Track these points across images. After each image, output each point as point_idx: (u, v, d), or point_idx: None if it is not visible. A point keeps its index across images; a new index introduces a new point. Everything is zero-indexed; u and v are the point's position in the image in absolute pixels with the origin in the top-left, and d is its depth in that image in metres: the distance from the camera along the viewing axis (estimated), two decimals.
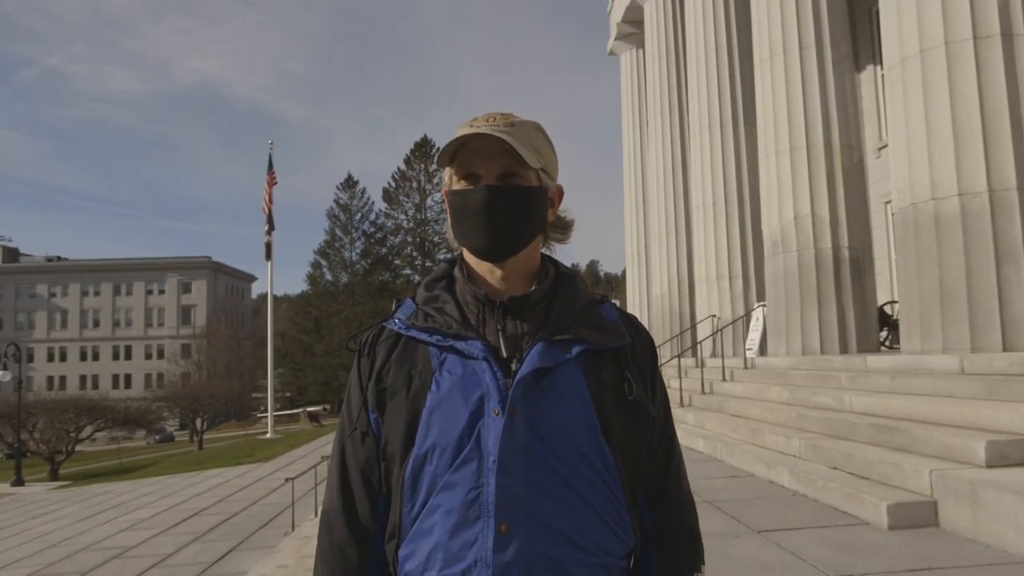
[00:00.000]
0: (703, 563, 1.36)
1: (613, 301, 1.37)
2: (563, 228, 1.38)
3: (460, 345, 1.21)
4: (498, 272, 1.28)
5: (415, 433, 1.19)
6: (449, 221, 1.32)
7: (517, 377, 1.18)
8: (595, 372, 1.23)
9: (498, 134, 1.21)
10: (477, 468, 1.15)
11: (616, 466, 1.21)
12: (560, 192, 1.35)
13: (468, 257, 1.32)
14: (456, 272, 1.33)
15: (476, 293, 1.27)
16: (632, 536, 1.24)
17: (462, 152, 1.25)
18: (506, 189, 1.24)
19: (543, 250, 1.36)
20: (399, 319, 1.30)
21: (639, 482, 1.29)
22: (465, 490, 1.15)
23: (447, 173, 1.31)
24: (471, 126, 1.24)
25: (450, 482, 1.16)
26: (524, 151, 1.22)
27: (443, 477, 1.17)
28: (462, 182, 1.27)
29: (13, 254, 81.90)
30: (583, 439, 1.18)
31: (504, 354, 1.22)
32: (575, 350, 1.22)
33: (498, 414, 1.16)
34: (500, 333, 1.24)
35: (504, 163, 1.24)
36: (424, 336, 1.24)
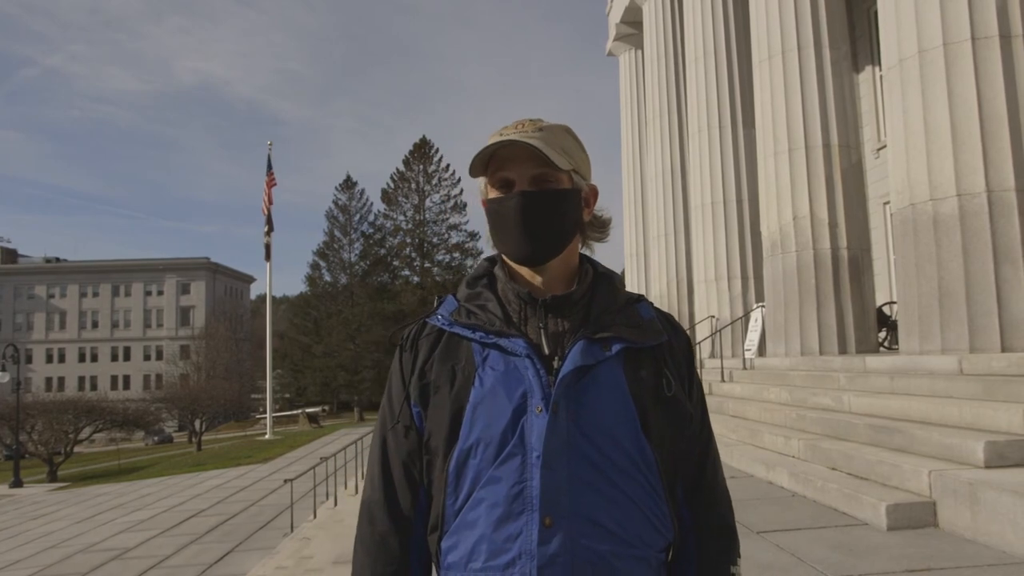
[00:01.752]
0: (739, 556, 1.39)
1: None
2: (600, 227, 1.40)
3: (503, 342, 1.24)
4: (538, 275, 1.31)
5: (459, 428, 1.22)
6: (488, 230, 1.35)
7: (560, 374, 1.20)
8: (634, 369, 1.26)
9: (526, 140, 1.23)
10: (521, 463, 1.18)
11: (655, 461, 1.24)
12: (594, 191, 1.37)
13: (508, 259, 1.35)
14: (497, 271, 1.35)
15: (519, 291, 1.30)
16: (671, 529, 1.27)
17: (494, 161, 1.28)
18: (539, 194, 1.26)
19: (581, 250, 1.38)
20: (442, 315, 1.32)
21: (678, 476, 1.31)
22: (509, 484, 1.18)
23: (482, 183, 1.33)
24: (500, 134, 1.27)
25: (494, 476, 1.19)
26: (553, 154, 1.24)
27: (487, 471, 1.20)
28: (496, 190, 1.29)
29: (12, 255, 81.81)
30: (624, 435, 1.21)
31: (546, 351, 1.24)
32: (615, 348, 1.25)
33: (541, 411, 1.19)
34: (542, 331, 1.27)
35: (537, 167, 1.26)
36: (467, 332, 1.27)
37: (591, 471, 1.19)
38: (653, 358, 1.29)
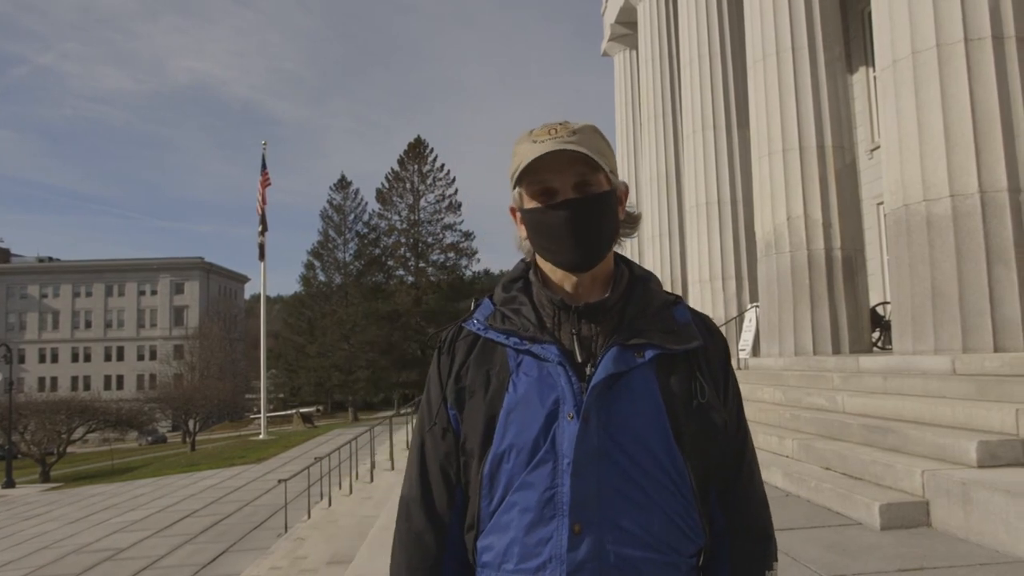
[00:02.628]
0: (776, 560, 1.38)
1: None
2: (631, 223, 1.40)
3: (536, 348, 1.25)
4: (575, 279, 1.31)
5: (493, 433, 1.24)
6: (523, 235, 1.34)
7: (592, 383, 1.21)
8: (667, 376, 1.25)
9: (568, 147, 1.22)
10: (552, 469, 1.19)
11: (687, 469, 1.24)
12: (626, 188, 1.37)
13: (542, 263, 1.34)
14: (531, 276, 1.35)
15: (552, 298, 1.30)
16: (702, 535, 1.26)
17: (531, 169, 1.26)
18: (586, 200, 1.26)
19: (615, 249, 1.38)
20: (477, 320, 1.33)
21: (710, 482, 1.30)
22: (540, 490, 1.20)
23: (516, 192, 1.32)
24: (533, 140, 1.25)
25: (526, 482, 1.20)
26: (595, 156, 1.24)
27: (519, 476, 1.21)
28: (535, 199, 1.28)
29: (4, 254, 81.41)
30: (655, 443, 1.22)
31: (579, 358, 1.25)
32: (648, 354, 1.25)
33: (572, 418, 1.20)
34: (575, 337, 1.27)
35: (577, 172, 1.25)
36: (501, 338, 1.28)
37: (621, 478, 1.19)
38: (687, 364, 1.28)
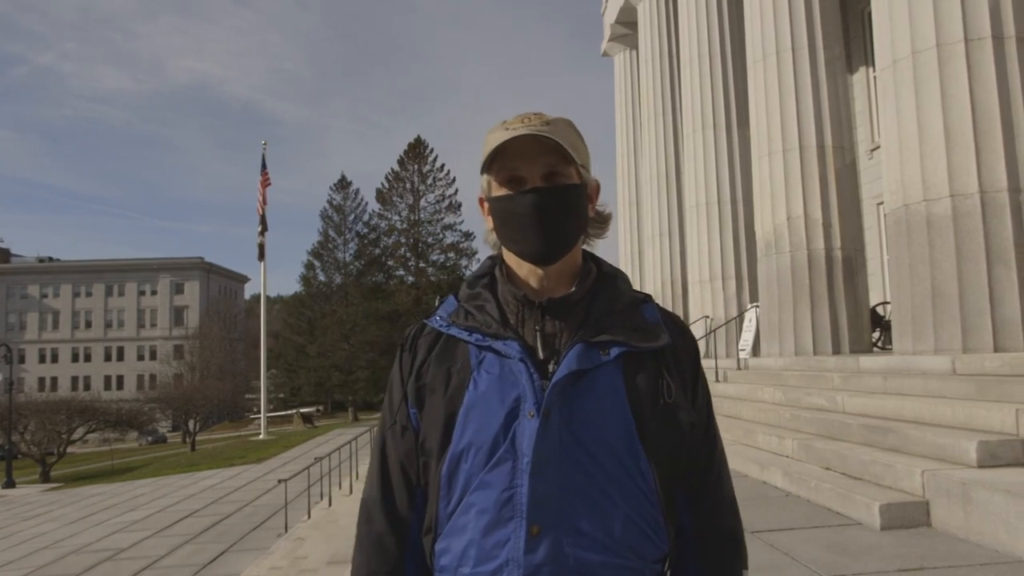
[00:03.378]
0: (746, 567, 1.33)
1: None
2: (602, 222, 1.37)
3: (498, 345, 1.22)
4: (540, 272, 1.27)
5: (452, 431, 1.20)
6: (489, 226, 1.32)
7: (553, 379, 1.18)
8: (634, 374, 1.22)
9: (540, 133, 1.20)
10: (511, 469, 1.16)
11: (652, 470, 1.20)
12: (597, 186, 1.35)
13: (508, 257, 1.31)
14: (497, 272, 1.33)
15: (516, 293, 1.27)
16: (666, 539, 1.22)
17: (501, 156, 1.23)
18: (554, 190, 1.23)
19: (584, 247, 1.35)
20: (440, 316, 1.30)
21: (678, 484, 1.26)
22: (499, 490, 1.16)
23: (484, 179, 1.29)
24: (506, 128, 1.23)
25: (484, 481, 1.17)
26: (567, 147, 1.21)
27: (478, 476, 1.18)
28: (504, 187, 1.25)
29: (4, 254, 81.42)
30: (618, 443, 1.18)
31: (541, 355, 1.22)
32: (613, 352, 1.21)
33: (533, 416, 1.16)
34: (538, 334, 1.24)
35: (547, 163, 1.23)
36: (464, 335, 1.25)
37: (583, 479, 1.16)
38: (655, 362, 1.25)
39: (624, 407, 1.19)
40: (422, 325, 1.33)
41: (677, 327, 1.33)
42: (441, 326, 1.29)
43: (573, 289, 1.27)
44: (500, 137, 1.21)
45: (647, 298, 1.33)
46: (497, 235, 1.30)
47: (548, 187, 1.23)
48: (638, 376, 1.22)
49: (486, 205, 1.31)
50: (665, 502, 1.22)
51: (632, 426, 1.19)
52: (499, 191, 1.26)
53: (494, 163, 1.25)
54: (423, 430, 1.25)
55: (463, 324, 1.26)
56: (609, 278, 1.32)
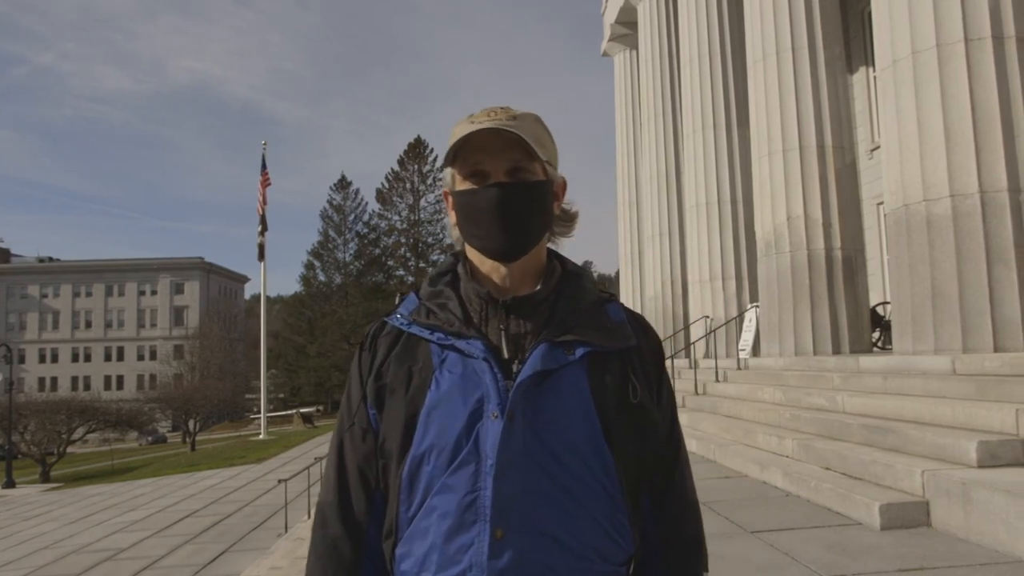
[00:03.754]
0: (707, 570, 1.33)
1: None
2: (568, 221, 1.35)
3: (461, 344, 1.19)
4: (503, 270, 1.25)
5: (413, 433, 1.17)
6: (453, 220, 1.29)
7: (518, 380, 1.15)
8: (599, 375, 1.20)
9: (505, 128, 1.18)
10: (474, 471, 1.13)
11: (617, 471, 1.18)
12: (564, 184, 1.32)
13: (472, 254, 1.29)
14: (460, 268, 1.30)
15: (479, 291, 1.24)
16: (631, 542, 1.21)
17: (465, 150, 1.21)
18: (517, 185, 1.21)
19: (549, 245, 1.33)
20: (401, 314, 1.27)
21: (643, 487, 1.25)
22: (462, 494, 1.13)
23: (448, 173, 1.27)
24: (472, 122, 1.21)
25: (447, 484, 1.14)
26: (532, 143, 1.19)
27: (440, 479, 1.14)
28: (467, 181, 1.23)
29: (4, 254, 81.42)
30: (584, 444, 1.16)
31: (506, 355, 1.19)
32: (579, 352, 1.19)
33: (496, 417, 1.13)
34: (503, 333, 1.21)
35: (511, 158, 1.20)
36: (425, 333, 1.22)
37: (547, 481, 1.13)
38: (620, 363, 1.23)
39: (590, 408, 1.17)
40: (382, 323, 1.30)
41: (642, 327, 1.31)
42: (402, 324, 1.26)
43: (538, 288, 1.25)
44: (464, 130, 1.19)
45: (612, 297, 1.32)
46: (460, 230, 1.27)
47: (511, 183, 1.20)
48: (604, 377, 1.20)
49: (451, 199, 1.28)
50: (631, 504, 1.21)
51: (598, 427, 1.17)
52: (463, 185, 1.24)
53: (458, 157, 1.22)
54: (383, 431, 1.22)
55: (424, 322, 1.23)
56: (574, 277, 1.30)
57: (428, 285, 1.30)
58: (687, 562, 1.30)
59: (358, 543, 1.24)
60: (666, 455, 1.29)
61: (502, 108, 1.23)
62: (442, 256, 55.87)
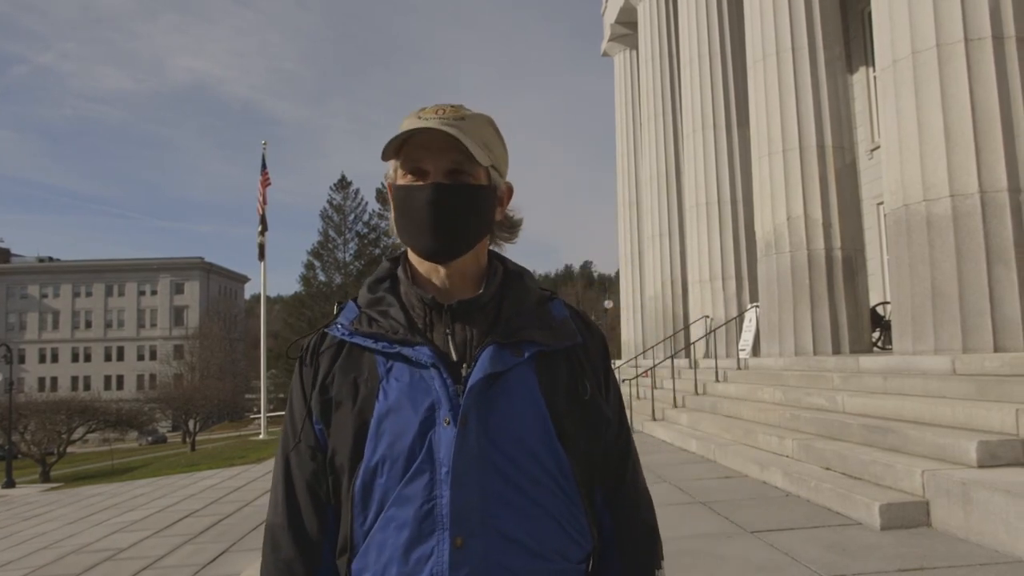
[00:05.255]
0: (663, 558, 1.34)
1: (561, 298, 1.33)
2: (511, 227, 1.33)
3: (407, 351, 1.16)
4: (443, 272, 1.23)
5: (363, 445, 1.15)
6: (392, 216, 1.26)
7: (469, 384, 1.13)
8: (548, 373, 1.19)
9: (447, 128, 1.15)
10: (430, 480, 1.11)
11: (572, 470, 1.18)
12: (510, 190, 1.30)
13: (412, 257, 1.27)
14: (400, 272, 1.27)
15: (422, 296, 1.22)
16: (589, 539, 1.21)
17: (409, 145, 1.19)
18: (454, 187, 1.18)
19: (491, 248, 1.31)
20: (341, 324, 1.23)
21: (596, 482, 1.26)
22: (418, 504, 1.11)
23: (391, 165, 1.25)
24: (419, 117, 1.19)
25: (402, 495, 1.12)
26: (474, 147, 1.16)
27: (395, 490, 1.12)
28: (408, 176, 1.21)
29: (4, 254, 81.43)
30: (538, 444, 1.15)
31: (455, 359, 1.17)
32: (527, 352, 1.18)
33: (449, 423, 1.12)
34: (449, 338, 1.19)
35: (453, 159, 1.18)
36: (369, 343, 1.19)
37: (504, 484, 1.12)
38: (568, 361, 1.22)
39: (541, 407, 1.16)
40: (322, 335, 1.26)
41: (585, 324, 1.31)
42: (343, 335, 1.22)
43: (481, 291, 1.23)
44: (409, 125, 1.18)
45: (553, 295, 1.31)
46: (396, 225, 1.25)
47: (448, 184, 1.18)
48: (553, 375, 1.20)
49: (392, 191, 1.27)
50: (587, 501, 1.21)
51: (550, 426, 1.17)
52: (403, 180, 1.22)
53: (401, 151, 1.20)
54: (332, 445, 1.19)
55: (367, 331, 1.20)
56: (516, 276, 1.28)
57: (367, 292, 1.27)
58: (642, 551, 1.31)
59: (313, 563, 1.21)
60: (617, 449, 1.30)
61: (452, 106, 1.21)
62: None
